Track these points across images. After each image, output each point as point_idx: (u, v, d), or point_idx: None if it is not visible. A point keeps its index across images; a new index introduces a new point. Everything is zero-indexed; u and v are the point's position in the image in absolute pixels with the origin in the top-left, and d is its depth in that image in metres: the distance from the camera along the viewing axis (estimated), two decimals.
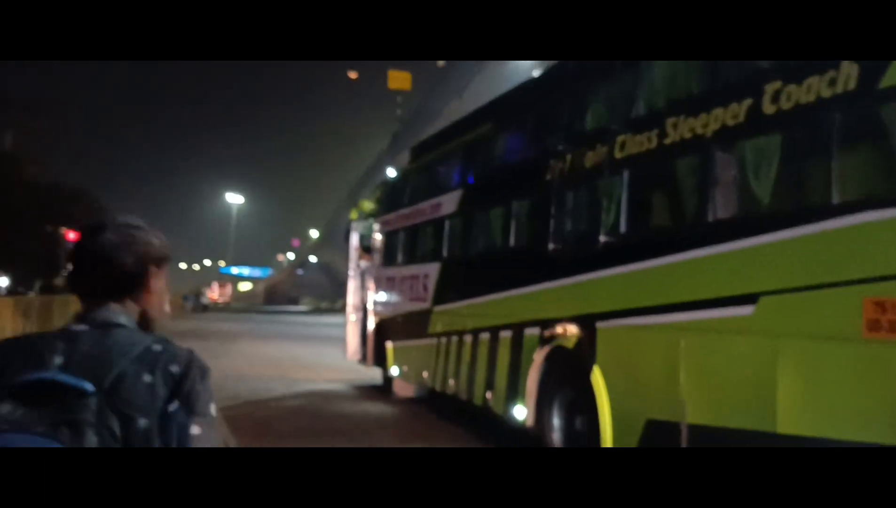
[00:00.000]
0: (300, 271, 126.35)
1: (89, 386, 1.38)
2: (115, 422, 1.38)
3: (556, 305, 7.01)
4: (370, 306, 13.13)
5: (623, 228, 6.18)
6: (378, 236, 13.05)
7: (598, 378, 6.21)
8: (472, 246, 9.41)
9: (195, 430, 1.45)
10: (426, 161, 11.85)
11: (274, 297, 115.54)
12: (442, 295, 9.98)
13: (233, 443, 1.62)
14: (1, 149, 45.30)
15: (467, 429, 9.17)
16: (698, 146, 5.40)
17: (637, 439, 5.72)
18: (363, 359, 13.51)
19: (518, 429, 7.77)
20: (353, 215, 14.76)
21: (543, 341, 7.19)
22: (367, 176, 61.90)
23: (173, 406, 1.45)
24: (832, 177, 4.36)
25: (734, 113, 5.10)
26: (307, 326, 38.40)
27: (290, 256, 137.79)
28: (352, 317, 14.08)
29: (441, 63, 38.94)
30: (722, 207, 5.19)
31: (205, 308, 59.75)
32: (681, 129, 5.56)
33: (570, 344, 6.73)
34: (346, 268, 14.46)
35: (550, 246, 7.20)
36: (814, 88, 4.51)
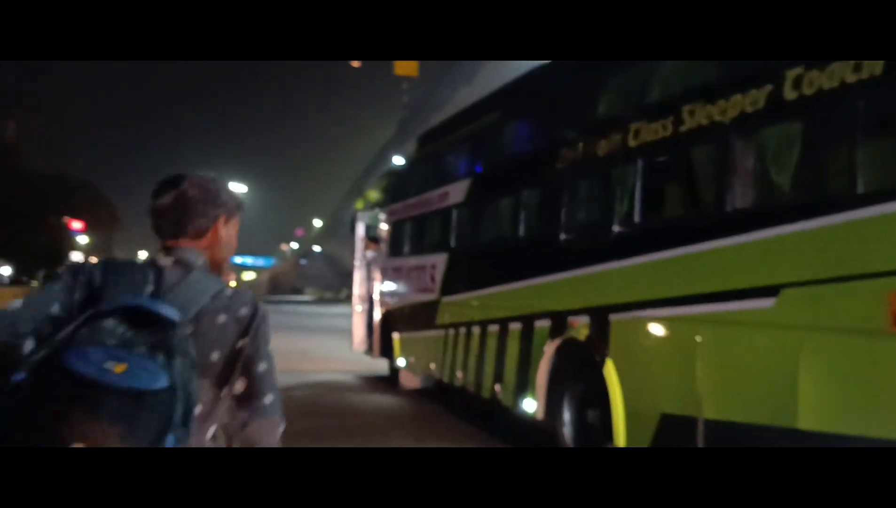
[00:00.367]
0: (304, 262, 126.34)
1: (178, 317, 1.55)
2: (194, 352, 1.54)
3: (568, 296, 6.89)
4: (376, 297, 13.02)
5: (638, 217, 6.04)
6: (384, 226, 12.93)
7: (610, 371, 6.09)
8: (481, 236, 9.28)
9: (261, 366, 1.71)
10: (434, 149, 11.71)
11: (277, 287, 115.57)
12: (450, 286, 9.86)
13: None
14: (3, 140, 45.24)
15: (474, 422, 9.07)
16: (717, 134, 5.26)
17: (651, 433, 5.60)
18: (369, 350, 13.42)
19: (526, 422, 7.67)
20: (359, 204, 14.65)
21: (554, 333, 7.07)
22: (372, 165, 61.66)
23: (242, 343, 1.69)
24: (857, 165, 4.21)
25: (754, 99, 4.96)
26: (311, 316, 38.32)
27: (294, 245, 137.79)
28: (358, 308, 13.96)
29: None
30: (742, 196, 5.05)
31: None
32: (698, 116, 5.42)
33: (581, 336, 6.61)
34: (350, 258, 14.35)
35: (562, 236, 7.07)
36: (837, 73, 4.36)
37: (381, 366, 13.32)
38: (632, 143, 6.14)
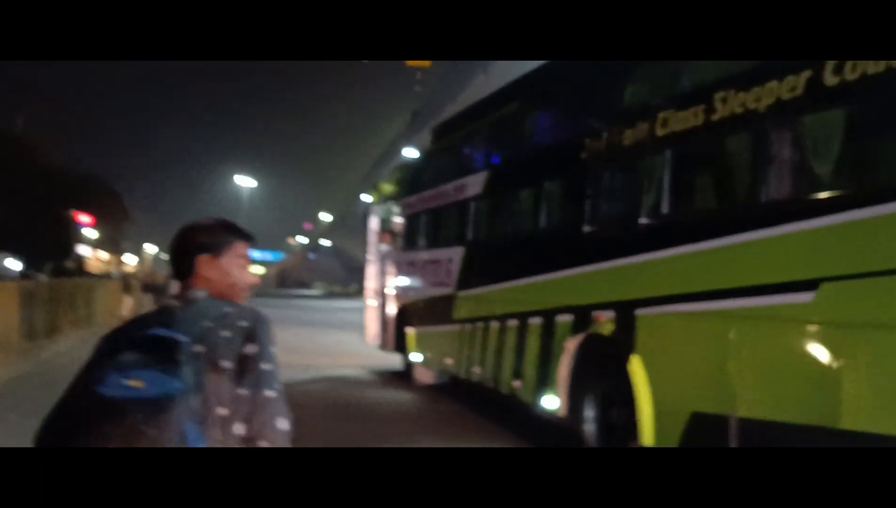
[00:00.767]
0: (312, 256, 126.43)
1: (184, 338, 1.86)
2: (204, 364, 1.85)
3: (592, 290, 6.72)
4: (390, 291, 12.88)
5: (668, 208, 5.87)
6: (398, 220, 12.77)
7: (637, 368, 5.92)
8: (500, 229, 9.10)
9: (266, 366, 1.96)
10: (450, 141, 11.53)
11: (286, 281, 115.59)
12: (467, 280, 9.70)
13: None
14: (12, 132, 45.25)
15: (494, 418, 8.94)
16: (754, 122, 5.07)
17: (680, 432, 5.43)
18: (383, 345, 13.28)
19: (546, 419, 7.54)
20: (373, 197, 14.51)
21: (577, 328, 6.90)
22: (383, 157, 61.28)
23: (248, 349, 1.95)
24: None
25: (792, 86, 4.77)
26: (321, 311, 38.18)
27: (302, 239, 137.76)
28: (371, 302, 13.83)
29: None
30: (781, 187, 4.87)
31: None
32: (732, 104, 5.24)
33: (606, 331, 6.44)
34: (360, 252, 14.28)
35: (586, 229, 6.89)
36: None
37: (394, 361, 13.19)
38: (661, 132, 5.96)
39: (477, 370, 9.12)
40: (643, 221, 6.06)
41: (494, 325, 8.69)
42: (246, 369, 1.93)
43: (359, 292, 14.89)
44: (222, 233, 2.22)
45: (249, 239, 2.30)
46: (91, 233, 64.38)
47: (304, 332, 21.40)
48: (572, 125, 7.68)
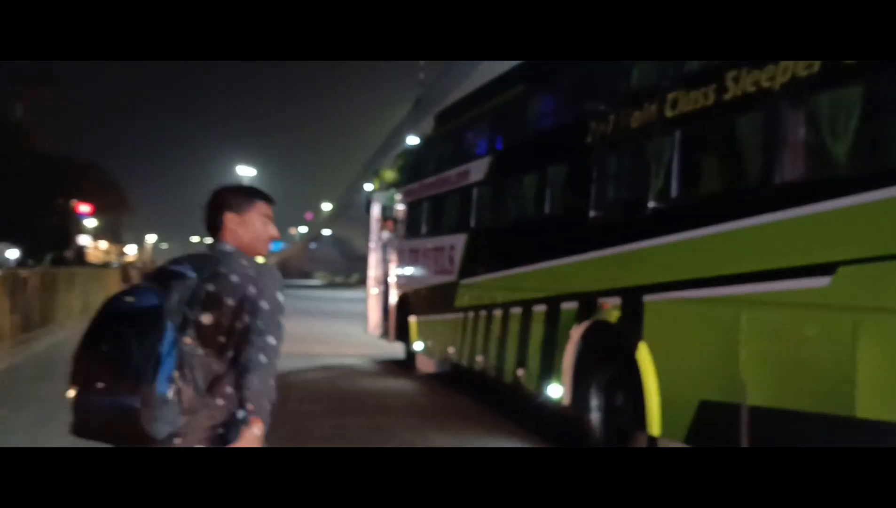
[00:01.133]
0: (313, 245, 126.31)
1: (191, 273, 2.35)
2: (207, 299, 2.34)
3: (597, 277, 6.57)
4: (392, 280, 12.75)
5: (676, 192, 5.71)
6: (400, 207, 12.62)
7: (644, 356, 5.78)
8: (503, 215, 8.96)
9: (264, 304, 2.37)
10: (453, 127, 11.38)
11: (286, 271, 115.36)
12: (469, 267, 9.56)
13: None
14: (11, 120, 45.07)
15: (495, 407, 8.82)
16: (767, 102, 4.91)
17: (689, 420, 5.30)
18: (385, 334, 13.17)
19: (549, 408, 7.42)
20: (375, 184, 14.36)
21: (582, 315, 6.76)
22: (385, 145, 60.91)
23: (250, 291, 2.37)
24: None
25: (806, 64, 4.61)
26: (323, 300, 38.10)
27: (303, 229, 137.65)
28: (373, 290, 13.70)
29: None
30: (794, 168, 4.71)
31: None
32: (744, 83, 5.07)
33: (612, 319, 6.29)
34: (360, 242, 14.17)
35: (591, 214, 6.74)
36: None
37: (395, 350, 13.07)
38: (669, 113, 5.80)
39: (479, 358, 9.00)
40: (651, 204, 5.90)
41: (497, 313, 8.56)
42: (244, 306, 2.35)
43: (360, 282, 14.76)
44: (247, 194, 2.63)
45: (270, 200, 2.66)
46: (91, 222, 64.19)
47: (306, 322, 21.28)
48: (577, 108, 7.52)
